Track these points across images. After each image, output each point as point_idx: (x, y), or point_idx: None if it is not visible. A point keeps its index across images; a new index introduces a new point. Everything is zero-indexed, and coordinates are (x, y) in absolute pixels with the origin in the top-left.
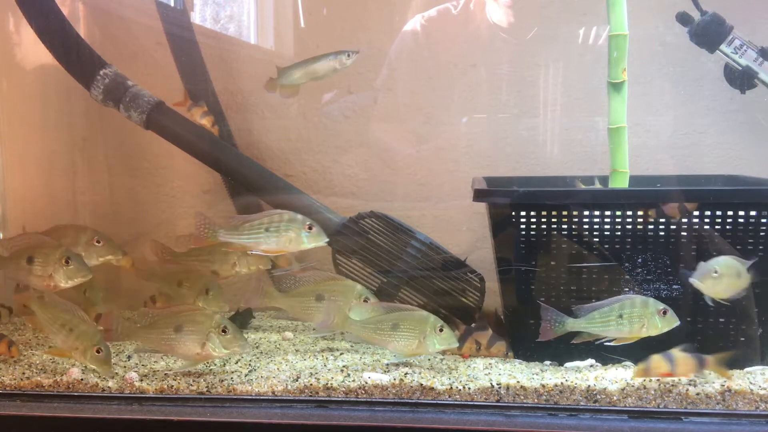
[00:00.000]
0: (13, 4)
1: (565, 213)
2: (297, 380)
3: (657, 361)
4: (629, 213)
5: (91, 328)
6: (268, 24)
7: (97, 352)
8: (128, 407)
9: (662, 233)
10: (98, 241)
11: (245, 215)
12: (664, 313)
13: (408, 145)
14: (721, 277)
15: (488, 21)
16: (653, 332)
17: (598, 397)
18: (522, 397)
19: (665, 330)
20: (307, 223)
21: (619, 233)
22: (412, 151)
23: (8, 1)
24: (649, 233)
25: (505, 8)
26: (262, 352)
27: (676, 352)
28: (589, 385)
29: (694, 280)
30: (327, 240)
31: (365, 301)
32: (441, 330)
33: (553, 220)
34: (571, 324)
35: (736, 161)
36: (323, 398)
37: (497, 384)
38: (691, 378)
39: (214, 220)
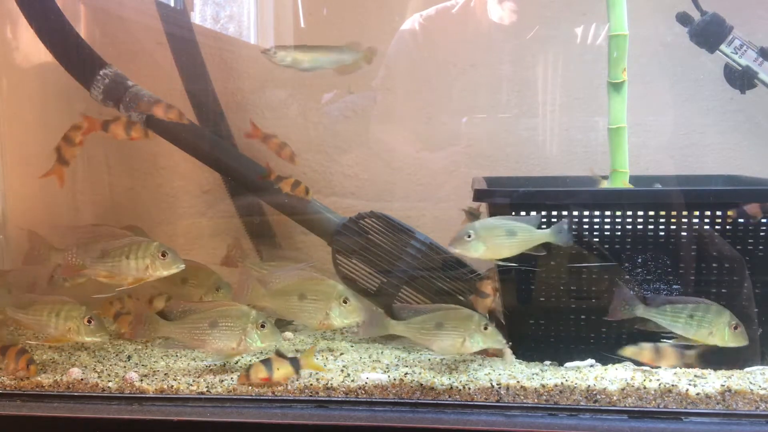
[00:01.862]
0: (12, 5)
1: (564, 213)
2: (297, 380)
3: (256, 366)
4: (629, 213)
5: (74, 303)
6: (268, 24)
7: (89, 322)
8: (128, 407)
9: (662, 233)
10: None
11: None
12: (736, 327)
13: (408, 145)
14: (481, 239)
15: (488, 20)
16: (718, 342)
17: (598, 397)
18: (522, 397)
19: (730, 345)
20: (161, 249)
21: (619, 233)
22: (412, 151)
23: (8, 1)
24: (649, 233)
25: (505, 8)
26: (262, 352)
27: (274, 358)
28: (589, 385)
29: (451, 247)
30: (183, 266)
31: (345, 302)
32: (486, 328)
33: (553, 220)
34: (642, 310)
35: (736, 161)
36: (323, 398)
37: (497, 384)
38: (293, 379)
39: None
